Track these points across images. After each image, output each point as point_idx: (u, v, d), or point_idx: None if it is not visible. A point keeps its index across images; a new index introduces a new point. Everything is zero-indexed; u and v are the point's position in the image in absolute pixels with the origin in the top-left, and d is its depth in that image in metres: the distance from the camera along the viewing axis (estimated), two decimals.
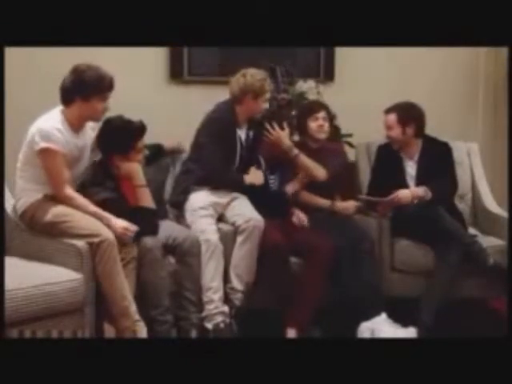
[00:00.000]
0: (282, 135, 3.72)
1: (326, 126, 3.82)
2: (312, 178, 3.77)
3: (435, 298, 3.49)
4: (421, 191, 3.66)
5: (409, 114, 3.75)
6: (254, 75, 3.61)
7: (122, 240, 3.08)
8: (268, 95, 3.67)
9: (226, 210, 3.61)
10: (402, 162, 3.83)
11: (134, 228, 3.12)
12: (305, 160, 3.74)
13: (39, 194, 3.17)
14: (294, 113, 3.99)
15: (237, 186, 3.64)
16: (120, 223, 3.11)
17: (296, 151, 3.73)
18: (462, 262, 3.50)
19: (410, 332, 3.31)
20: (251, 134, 3.74)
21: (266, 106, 3.70)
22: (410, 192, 3.66)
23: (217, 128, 3.59)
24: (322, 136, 3.82)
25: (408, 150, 3.82)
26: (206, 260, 3.38)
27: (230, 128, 3.64)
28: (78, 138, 3.23)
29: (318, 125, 3.80)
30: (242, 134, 3.70)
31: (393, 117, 3.75)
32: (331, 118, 3.92)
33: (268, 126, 3.71)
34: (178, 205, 3.64)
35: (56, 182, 3.14)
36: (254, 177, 3.66)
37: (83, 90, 3.12)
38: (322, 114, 3.81)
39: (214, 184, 3.61)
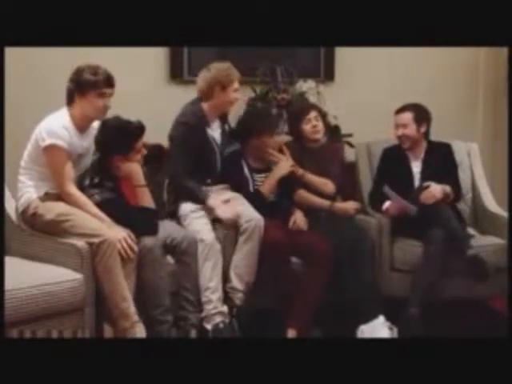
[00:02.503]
0: (284, 160, 3.71)
1: (320, 125, 3.82)
2: (321, 192, 3.77)
3: (420, 288, 3.46)
4: (448, 189, 3.66)
5: (423, 114, 3.81)
6: (218, 67, 3.60)
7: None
8: (236, 85, 3.60)
9: None
10: (409, 161, 3.85)
11: (133, 237, 3.11)
12: (311, 178, 3.75)
13: (42, 191, 3.19)
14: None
15: (196, 200, 3.53)
16: (120, 234, 3.08)
17: (301, 171, 3.73)
18: (445, 245, 3.46)
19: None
20: (227, 128, 3.71)
21: (237, 96, 3.65)
22: (442, 188, 3.63)
23: (181, 134, 3.54)
24: (319, 136, 3.82)
25: (416, 150, 3.84)
26: (203, 260, 3.37)
27: (199, 131, 3.56)
28: (83, 137, 3.27)
29: (311, 126, 3.80)
30: (215, 134, 3.66)
31: (409, 115, 3.78)
32: (323, 115, 3.93)
33: (270, 152, 3.68)
34: (173, 214, 3.61)
35: (60, 179, 3.16)
36: (222, 203, 3.51)
37: (79, 86, 3.18)
38: (312, 115, 3.81)
39: (182, 195, 3.55)
